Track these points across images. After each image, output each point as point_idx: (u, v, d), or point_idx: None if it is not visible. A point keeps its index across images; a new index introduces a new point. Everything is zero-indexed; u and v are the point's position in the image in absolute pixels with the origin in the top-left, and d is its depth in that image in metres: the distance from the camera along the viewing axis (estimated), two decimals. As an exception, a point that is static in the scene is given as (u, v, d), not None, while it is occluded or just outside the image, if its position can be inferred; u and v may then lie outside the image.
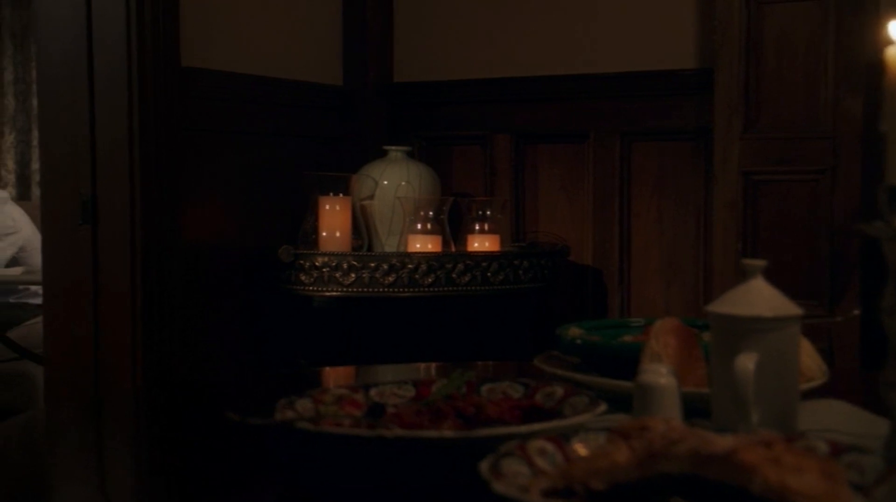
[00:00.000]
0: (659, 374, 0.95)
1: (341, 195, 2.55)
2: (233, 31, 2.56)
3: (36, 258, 4.16)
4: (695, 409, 0.97)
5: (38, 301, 3.98)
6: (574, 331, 1.25)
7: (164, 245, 2.28)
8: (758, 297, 0.95)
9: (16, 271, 4.04)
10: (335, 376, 1.62)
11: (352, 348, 2.56)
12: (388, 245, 2.60)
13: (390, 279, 2.38)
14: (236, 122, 2.56)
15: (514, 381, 1.09)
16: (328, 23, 2.87)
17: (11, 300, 4.09)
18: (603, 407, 0.95)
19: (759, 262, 0.97)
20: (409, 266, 2.39)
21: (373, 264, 2.39)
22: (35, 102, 5.15)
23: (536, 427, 0.88)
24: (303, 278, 2.41)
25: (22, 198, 5.25)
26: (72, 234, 2.27)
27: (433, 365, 1.67)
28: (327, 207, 2.53)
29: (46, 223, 2.33)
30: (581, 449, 0.83)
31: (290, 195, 2.65)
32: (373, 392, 1.08)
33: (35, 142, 5.19)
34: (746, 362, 0.92)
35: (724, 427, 0.90)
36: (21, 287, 4.09)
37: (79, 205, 2.26)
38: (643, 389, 0.95)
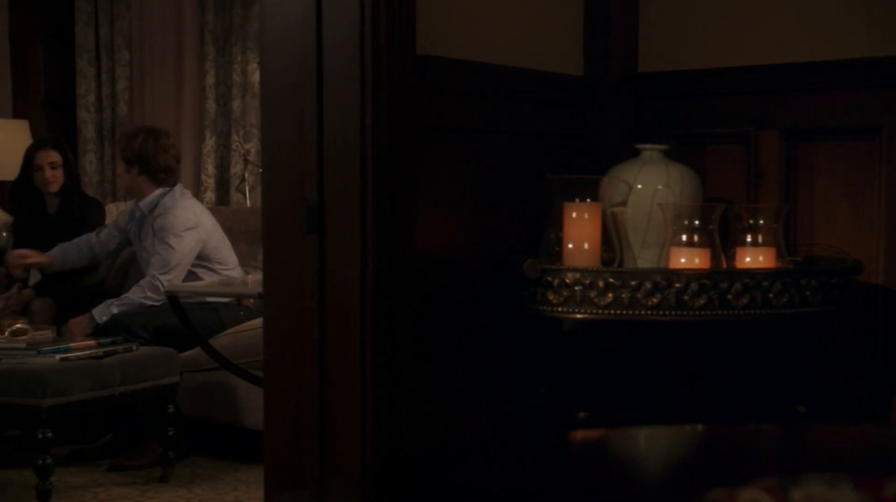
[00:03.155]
0: None
1: (589, 201, 2.21)
2: (469, 15, 2.26)
3: (221, 254, 3.99)
4: None
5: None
6: None
7: (396, 257, 2.00)
8: None
9: (212, 282, 3.88)
10: (582, 443, 1.30)
11: (607, 381, 2.21)
12: (643, 259, 2.24)
13: (654, 300, 2.02)
14: (470, 117, 2.26)
15: None
16: (568, 5, 2.53)
17: (208, 299, 3.94)
18: None
19: None
20: (677, 285, 2.02)
21: (633, 282, 2.03)
22: (235, 105, 5.07)
23: None
24: (551, 297, 2.08)
25: (220, 202, 5.17)
26: (296, 245, 2.02)
27: (699, 427, 1.36)
28: (574, 215, 2.19)
29: (268, 232, 2.09)
30: None
31: (526, 200, 2.33)
32: (797, 495, 0.73)
33: (234, 146, 5.10)
34: None
35: None
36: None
37: (303, 212, 2.01)
38: None
